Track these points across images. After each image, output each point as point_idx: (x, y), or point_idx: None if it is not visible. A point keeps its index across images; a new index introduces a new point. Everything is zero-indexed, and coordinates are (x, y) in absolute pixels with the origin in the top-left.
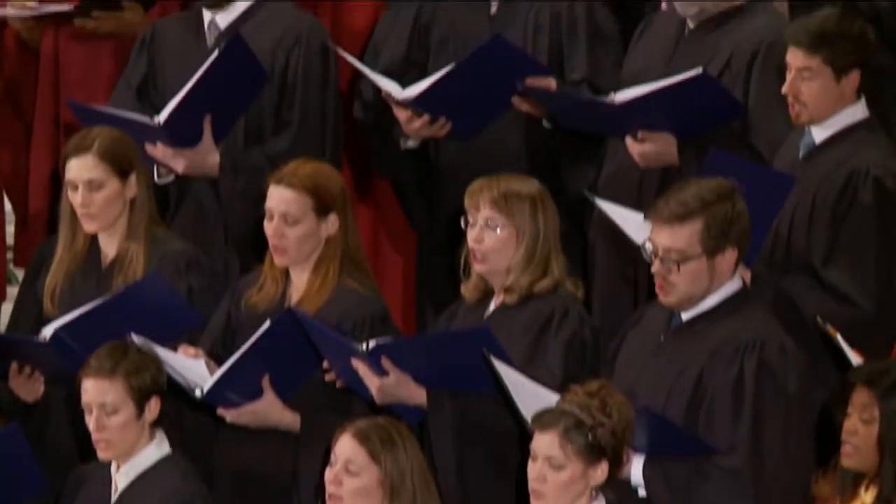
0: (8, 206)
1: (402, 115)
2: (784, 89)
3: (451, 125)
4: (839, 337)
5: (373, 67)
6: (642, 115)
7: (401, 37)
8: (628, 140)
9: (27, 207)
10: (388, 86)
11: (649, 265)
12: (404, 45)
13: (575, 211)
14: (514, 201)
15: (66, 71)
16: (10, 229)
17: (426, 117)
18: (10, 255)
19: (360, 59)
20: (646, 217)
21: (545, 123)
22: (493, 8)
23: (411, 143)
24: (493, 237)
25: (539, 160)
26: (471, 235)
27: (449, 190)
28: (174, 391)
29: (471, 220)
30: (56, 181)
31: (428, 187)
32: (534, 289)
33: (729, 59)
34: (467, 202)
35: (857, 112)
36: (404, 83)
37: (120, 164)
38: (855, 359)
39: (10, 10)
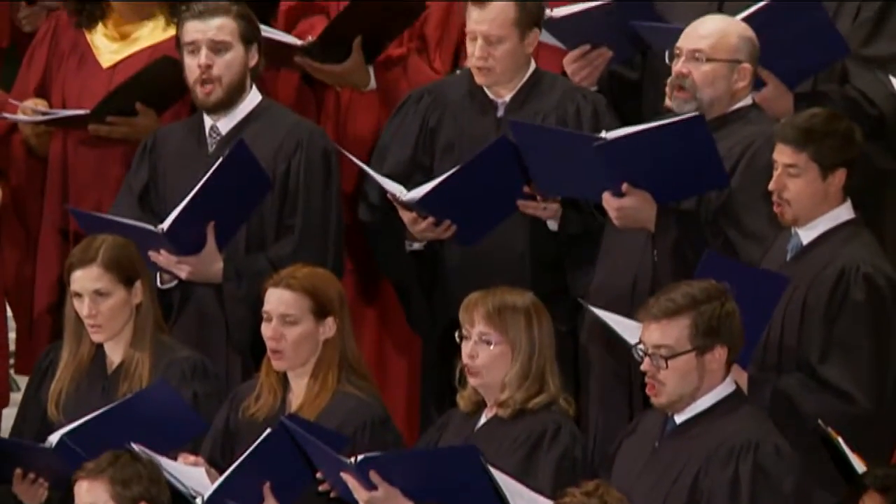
0: (9, 311)
1: (406, 216)
2: (770, 185)
3: (455, 228)
4: (842, 441)
5: (379, 170)
6: (626, 163)
7: (407, 140)
8: (606, 196)
9: (31, 314)
10: (393, 187)
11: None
12: (410, 148)
13: (575, 313)
14: (508, 315)
15: (74, 176)
16: (11, 335)
17: (430, 219)
18: (11, 360)
19: (366, 162)
20: (637, 317)
21: (550, 226)
22: (500, 112)
23: (416, 246)
24: (487, 352)
25: (543, 263)
26: (465, 350)
27: (454, 292)
28: (177, 499)
29: (465, 334)
30: (60, 287)
31: (432, 290)
32: (528, 405)
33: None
34: (462, 316)
35: (843, 213)
36: (410, 186)
37: (125, 272)
38: (858, 464)
39: (22, 115)
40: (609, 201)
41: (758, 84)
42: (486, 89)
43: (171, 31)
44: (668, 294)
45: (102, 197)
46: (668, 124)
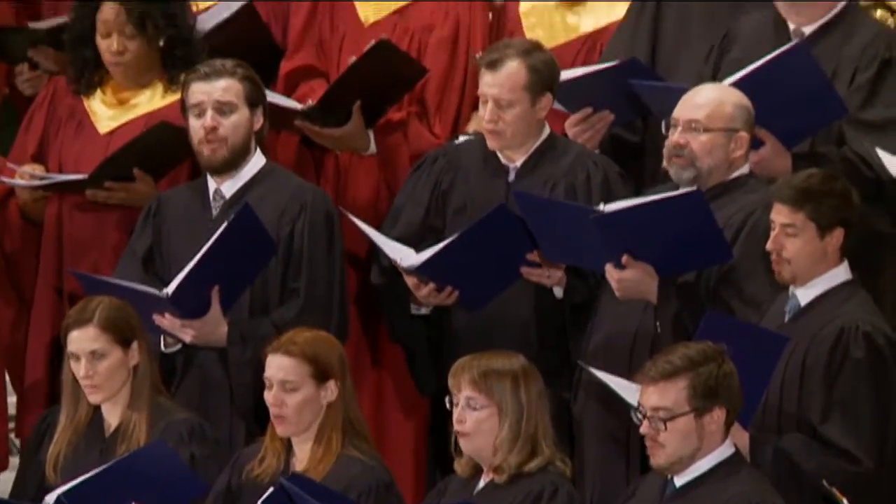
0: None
1: (410, 281)
2: (768, 245)
3: (458, 294)
4: (846, 502)
5: (391, 231)
6: (627, 235)
7: (419, 203)
8: (608, 268)
9: (25, 378)
10: (395, 252)
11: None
12: (422, 212)
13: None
14: (493, 380)
15: (70, 241)
16: (11, 399)
17: (432, 285)
18: (11, 424)
19: (372, 225)
20: (635, 380)
21: (556, 293)
22: (511, 177)
23: (423, 311)
24: (473, 417)
25: (549, 330)
26: (454, 416)
27: (460, 357)
28: None
29: (454, 401)
30: (56, 351)
31: (438, 354)
32: (523, 468)
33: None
34: (450, 382)
35: (841, 273)
36: (421, 248)
37: (122, 332)
38: None
39: (20, 180)
40: (611, 273)
41: (755, 144)
42: (498, 153)
43: (169, 98)
44: (666, 356)
45: (98, 262)
46: (666, 199)
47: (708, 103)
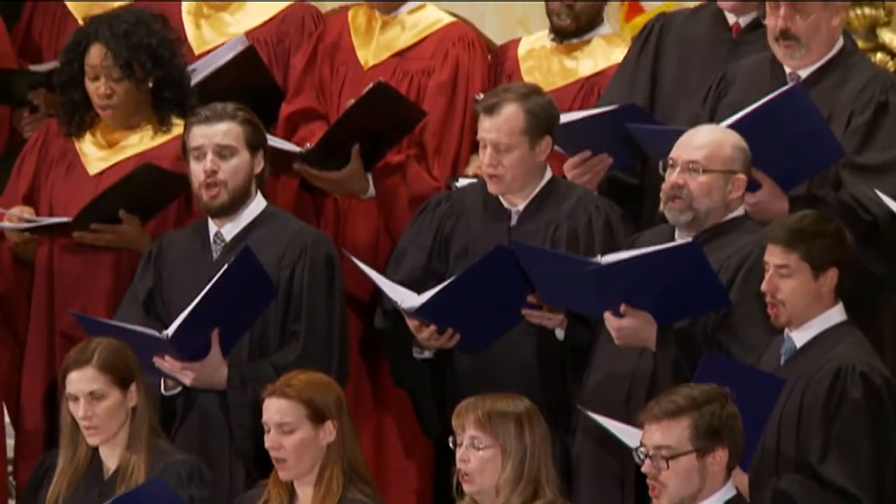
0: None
1: (411, 324)
2: (763, 287)
3: (459, 336)
4: None
5: (394, 275)
6: (625, 285)
7: (422, 247)
8: (607, 315)
9: (20, 422)
10: (396, 295)
11: (639, 468)
12: (425, 256)
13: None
14: (498, 421)
15: (61, 283)
16: (10, 442)
17: (433, 327)
18: (10, 468)
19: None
20: (637, 419)
21: (558, 334)
22: (513, 220)
23: (426, 354)
24: (477, 457)
25: (552, 372)
26: (458, 455)
27: (463, 399)
28: None
29: (458, 440)
30: (52, 394)
31: (442, 397)
32: None
33: (717, 275)
34: (454, 423)
35: (835, 315)
36: (423, 293)
37: (120, 374)
38: None
39: (7, 223)
40: (610, 321)
41: (753, 186)
42: (500, 197)
43: (160, 140)
44: (670, 396)
45: (88, 304)
46: (663, 251)
47: (707, 144)
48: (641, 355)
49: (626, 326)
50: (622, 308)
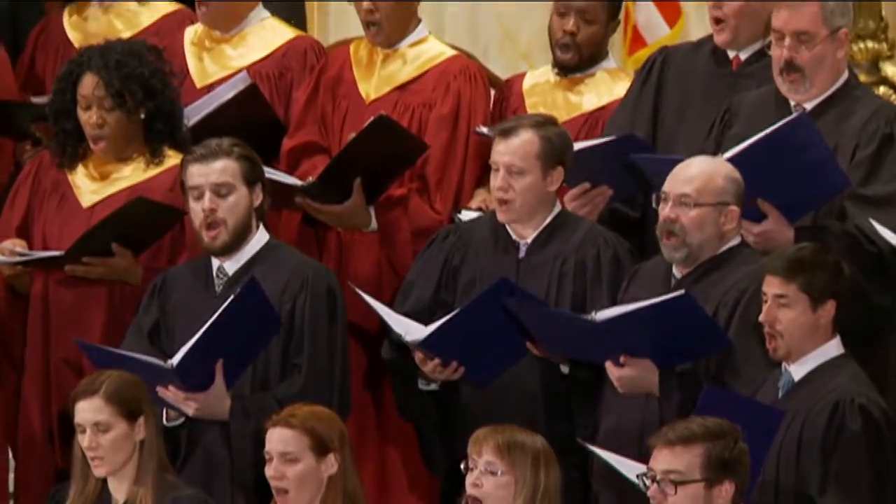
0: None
1: (417, 356)
2: (761, 317)
3: (464, 369)
4: None
5: (402, 307)
6: (623, 336)
7: (430, 279)
8: (608, 365)
9: (19, 454)
10: (400, 327)
11: None
12: (433, 287)
13: (587, 457)
14: (517, 452)
15: (57, 315)
16: (10, 476)
17: (437, 360)
18: (11, 502)
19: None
20: (649, 443)
21: (563, 369)
22: (521, 253)
23: (431, 386)
24: (491, 481)
25: (555, 406)
26: (469, 479)
27: (467, 431)
28: None
29: (471, 465)
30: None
31: (446, 429)
32: None
33: (716, 310)
34: (470, 448)
35: (833, 349)
36: (430, 324)
37: (128, 406)
38: None
39: (0, 257)
40: (611, 370)
41: (758, 217)
42: (509, 230)
43: (152, 172)
44: (684, 423)
45: (83, 337)
46: (656, 304)
47: (697, 177)
48: (647, 401)
49: (628, 376)
50: (622, 358)
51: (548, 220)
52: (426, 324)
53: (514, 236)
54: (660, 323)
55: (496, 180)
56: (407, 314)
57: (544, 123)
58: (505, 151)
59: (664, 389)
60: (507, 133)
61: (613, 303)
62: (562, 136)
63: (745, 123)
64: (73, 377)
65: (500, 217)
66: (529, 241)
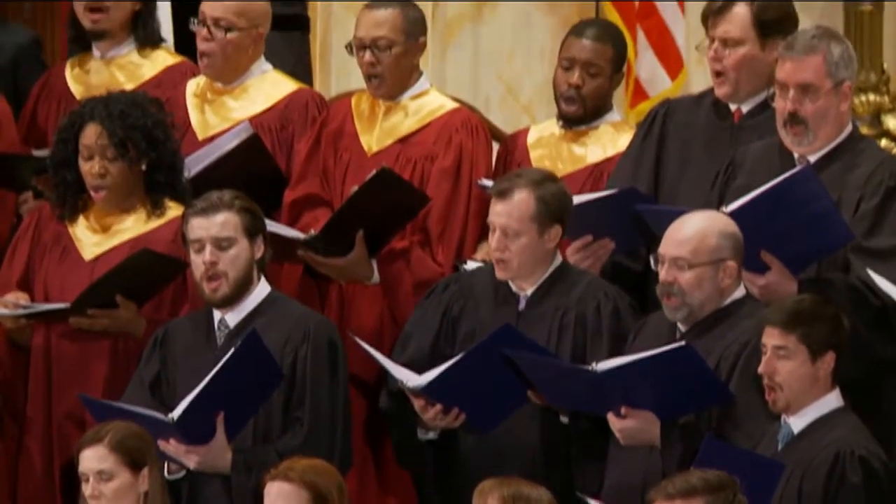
0: None
1: (417, 403)
2: (760, 369)
3: (465, 416)
4: None
5: (400, 357)
6: (624, 387)
7: (430, 329)
8: (610, 416)
9: None
10: (401, 374)
11: None
12: (432, 338)
13: None
14: None
15: (58, 369)
16: None
17: (439, 407)
18: None
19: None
20: (649, 499)
21: (562, 419)
22: (521, 305)
23: (431, 435)
24: None
25: (555, 456)
26: None
27: (465, 481)
28: None
29: None
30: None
31: (446, 481)
32: None
33: (718, 363)
34: (475, 500)
35: (833, 401)
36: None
37: (132, 456)
38: None
39: (3, 309)
40: (613, 422)
41: (762, 269)
42: (509, 282)
43: (153, 224)
44: (684, 476)
45: (85, 390)
46: (656, 356)
47: (691, 238)
48: (650, 455)
49: (629, 427)
50: (623, 410)
51: (547, 274)
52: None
53: (514, 289)
54: (660, 374)
55: (493, 241)
56: (405, 364)
57: (542, 181)
58: (501, 212)
59: (666, 441)
60: (503, 194)
61: (613, 356)
62: (558, 195)
63: (748, 175)
64: (76, 431)
65: (499, 275)
66: (529, 293)
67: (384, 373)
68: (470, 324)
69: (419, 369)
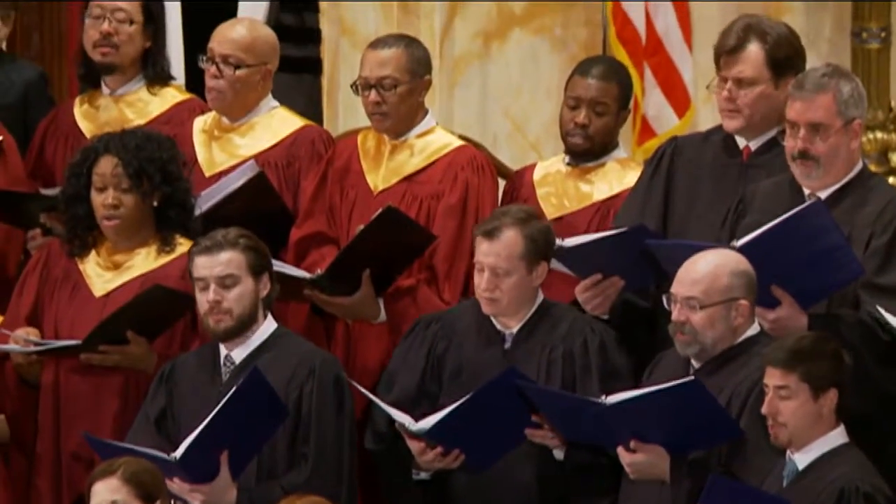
0: None
1: (415, 446)
2: (763, 409)
3: (464, 456)
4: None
5: (386, 397)
6: (634, 421)
7: (414, 368)
8: (620, 450)
9: None
10: (402, 417)
11: None
12: (418, 377)
13: None
14: None
15: (68, 405)
16: None
17: (439, 449)
18: None
19: (373, 390)
20: None
21: (556, 455)
22: (507, 343)
23: (423, 475)
24: None
25: (549, 494)
26: None
27: None
28: None
29: None
30: None
31: None
32: None
33: (729, 400)
34: None
35: (837, 437)
36: (416, 413)
37: (145, 489)
38: None
39: (15, 346)
40: (622, 456)
41: (773, 303)
42: (493, 319)
43: (163, 260)
44: None
45: (95, 427)
46: (665, 390)
47: (703, 279)
48: (661, 492)
49: (639, 461)
50: (632, 444)
51: (532, 311)
52: (411, 413)
53: (498, 326)
54: (669, 408)
55: (482, 281)
56: (392, 403)
57: (527, 219)
58: (489, 252)
59: (675, 476)
60: (490, 234)
61: (604, 391)
62: (544, 232)
63: (759, 211)
64: (85, 470)
65: (486, 310)
66: (515, 330)
67: (368, 413)
68: (455, 362)
69: (405, 409)
